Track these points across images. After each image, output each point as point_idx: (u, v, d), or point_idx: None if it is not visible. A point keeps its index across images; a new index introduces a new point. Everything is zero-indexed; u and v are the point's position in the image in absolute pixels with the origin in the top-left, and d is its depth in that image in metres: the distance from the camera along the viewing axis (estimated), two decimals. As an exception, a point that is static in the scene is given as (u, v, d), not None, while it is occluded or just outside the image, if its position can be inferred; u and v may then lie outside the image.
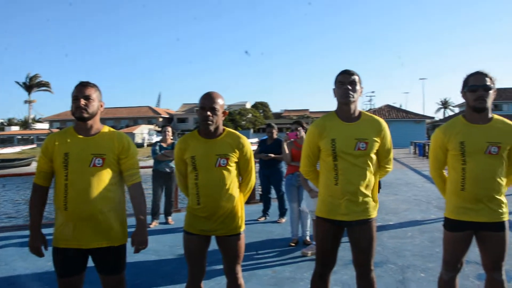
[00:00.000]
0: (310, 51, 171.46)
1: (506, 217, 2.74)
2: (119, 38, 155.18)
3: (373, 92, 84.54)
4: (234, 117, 62.64)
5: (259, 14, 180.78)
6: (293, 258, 5.08)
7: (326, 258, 2.92)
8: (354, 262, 2.92)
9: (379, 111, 45.55)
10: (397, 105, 52.35)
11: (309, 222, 5.65)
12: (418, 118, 44.43)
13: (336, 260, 2.96)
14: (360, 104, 75.79)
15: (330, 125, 2.84)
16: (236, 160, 2.86)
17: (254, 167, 3.02)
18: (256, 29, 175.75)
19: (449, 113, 76.43)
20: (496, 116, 2.79)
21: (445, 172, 2.98)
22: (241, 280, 2.94)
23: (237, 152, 2.85)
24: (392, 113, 45.47)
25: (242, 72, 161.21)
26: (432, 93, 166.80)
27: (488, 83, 2.69)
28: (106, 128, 2.71)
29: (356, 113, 2.85)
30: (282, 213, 7.25)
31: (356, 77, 2.79)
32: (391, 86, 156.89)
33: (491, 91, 2.70)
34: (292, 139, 5.66)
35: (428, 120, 46.33)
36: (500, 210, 2.72)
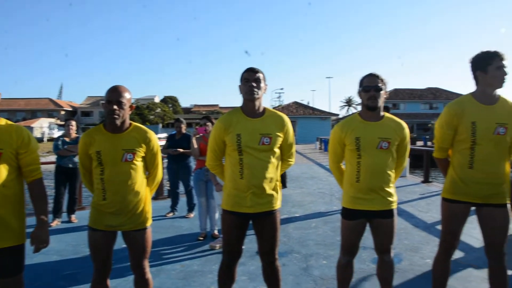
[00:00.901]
0: (222, 48, 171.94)
1: (394, 206, 3.02)
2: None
3: (282, 89, 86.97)
4: (142, 111, 60.95)
5: (169, 8, 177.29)
6: (201, 251, 5.13)
7: (233, 249, 3.01)
8: (260, 252, 3.05)
9: (287, 108, 46.91)
10: (305, 102, 54.38)
11: (217, 215, 5.73)
12: (324, 115, 46.37)
13: (241, 251, 3.07)
14: (269, 100, 77.73)
15: (235, 120, 2.93)
16: (143, 154, 2.84)
17: (161, 162, 3.02)
18: (169, 24, 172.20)
19: (352, 110, 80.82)
20: (387, 114, 3.06)
21: (343, 165, 3.21)
22: (149, 275, 2.93)
23: (144, 146, 2.83)
24: (300, 109, 47.04)
25: (153, 67, 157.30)
26: (338, 91, 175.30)
27: (380, 84, 2.94)
28: (2, 121, 2.53)
29: (261, 109, 2.97)
30: (191, 208, 7.26)
31: (260, 75, 2.91)
32: (299, 83, 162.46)
33: (382, 92, 2.95)
34: (201, 134, 5.70)
35: (333, 117, 48.55)
36: (390, 199, 2.99)
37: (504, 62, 2.84)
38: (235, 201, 2.92)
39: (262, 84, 2.92)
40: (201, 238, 5.65)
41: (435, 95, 56.87)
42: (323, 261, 4.72)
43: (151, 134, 2.89)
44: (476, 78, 2.97)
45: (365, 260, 4.64)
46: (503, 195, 2.95)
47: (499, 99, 2.94)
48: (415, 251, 5.11)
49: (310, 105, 51.75)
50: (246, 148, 2.86)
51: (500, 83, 2.87)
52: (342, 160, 3.15)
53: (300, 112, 46.10)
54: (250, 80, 2.87)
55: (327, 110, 50.22)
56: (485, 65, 2.87)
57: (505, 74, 2.84)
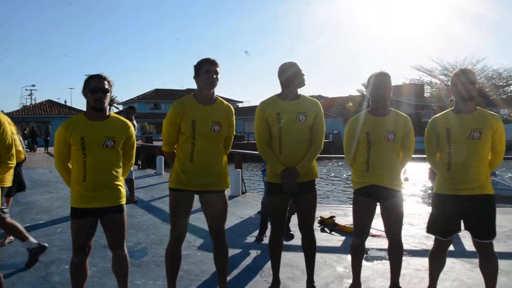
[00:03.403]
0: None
1: (123, 201, 3.18)
2: None
3: (33, 85, 78.43)
4: None
5: None
6: None
7: None
8: None
9: (39, 107, 43.30)
10: (62, 101, 50.75)
11: None
12: (81, 115, 44.17)
13: None
14: (19, 98, 69.22)
15: None
16: None
17: None
18: None
19: (113, 109, 78.71)
20: (113, 114, 3.20)
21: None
22: None
23: None
24: (54, 109, 43.95)
25: None
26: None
27: (107, 86, 3.05)
28: None
29: None
30: None
31: None
32: (56, 80, 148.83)
33: (108, 94, 3.07)
34: None
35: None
36: (118, 195, 3.13)
37: (213, 67, 3.24)
38: None
39: None
40: None
41: (194, 95, 60.36)
42: (65, 266, 4.57)
43: None
44: (196, 81, 3.33)
45: (110, 258, 4.69)
46: (220, 183, 3.40)
47: (217, 100, 3.37)
48: (160, 243, 5.44)
49: (68, 104, 48.66)
50: None
51: (208, 84, 3.26)
52: (68, 160, 3.14)
53: (55, 111, 42.99)
54: None
55: (84, 109, 47.72)
56: (198, 69, 3.26)
57: (212, 77, 3.23)
